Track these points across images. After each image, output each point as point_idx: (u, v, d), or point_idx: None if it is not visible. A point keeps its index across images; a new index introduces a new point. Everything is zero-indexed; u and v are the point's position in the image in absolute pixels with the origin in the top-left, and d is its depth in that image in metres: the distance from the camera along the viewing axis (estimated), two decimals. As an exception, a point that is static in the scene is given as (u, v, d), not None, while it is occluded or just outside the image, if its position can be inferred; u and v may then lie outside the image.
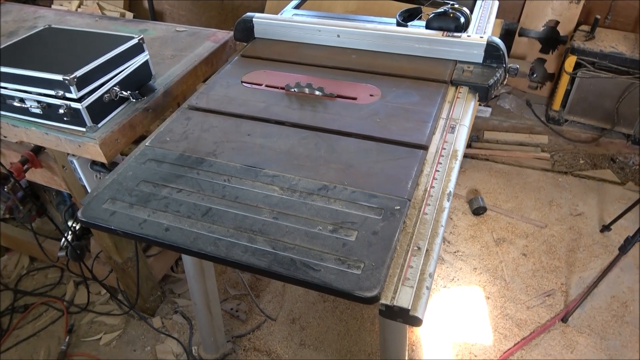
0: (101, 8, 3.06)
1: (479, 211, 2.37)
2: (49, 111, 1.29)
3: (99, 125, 1.31)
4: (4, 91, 1.29)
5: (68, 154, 1.42)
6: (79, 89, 1.22)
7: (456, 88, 1.36)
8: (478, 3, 1.78)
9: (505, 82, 1.46)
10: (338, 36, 1.54)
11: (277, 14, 1.72)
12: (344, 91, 1.35)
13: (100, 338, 1.92)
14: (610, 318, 1.90)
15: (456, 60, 1.45)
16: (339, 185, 1.05)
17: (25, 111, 1.32)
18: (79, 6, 3.03)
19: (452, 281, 2.05)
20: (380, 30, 1.49)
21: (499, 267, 2.12)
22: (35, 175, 1.65)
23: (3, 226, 2.16)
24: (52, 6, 3.20)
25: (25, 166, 1.54)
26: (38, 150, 1.56)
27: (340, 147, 1.16)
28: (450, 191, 1.06)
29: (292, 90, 1.36)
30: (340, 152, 1.15)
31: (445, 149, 1.16)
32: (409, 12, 1.61)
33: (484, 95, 1.36)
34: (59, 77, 1.19)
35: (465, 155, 2.73)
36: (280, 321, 1.92)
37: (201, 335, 1.76)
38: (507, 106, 3.09)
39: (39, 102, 1.28)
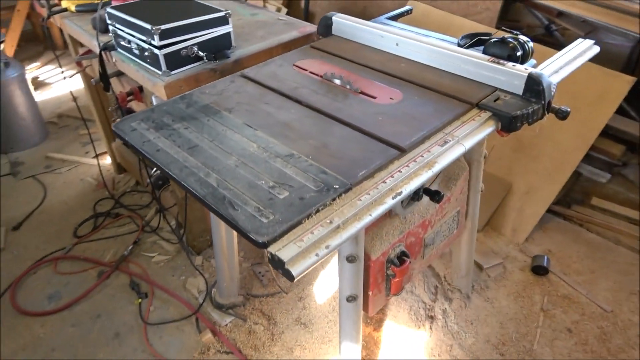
0: (264, 1, 3.54)
1: (538, 270, 2.17)
2: (142, 53, 1.64)
3: (172, 72, 1.62)
4: (119, 32, 1.69)
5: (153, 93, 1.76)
6: (161, 39, 1.54)
7: (479, 111, 1.35)
8: (575, 42, 1.68)
9: (544, 119, 1.38)
10: (397, 44, 1.63)
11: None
12: (369, 90, 1.44)
13: (154, 257, 2.29)
14: None
15: (497, 88, 1.42)
16: (304, 156, 1.17)
17: (130, 51, 1.70)
18: None
19: (470, 324, 1.93)
20: (434, 46, 1.53)
21: (531, 332, 1.93)
22: (139, 108, 2.06)
23: (125, 151, 2.69)
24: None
25: (130, 97, 1.95)
26: (142, 87, 1.96)
27: (330, 131, 1.27)
28: (401, 192, 1.09)
29: (327, 79, 1.50)
30: (328, 134, 1.26)
31: (423, 157, 1.18)
32: (476, 36, 1.60)
33: (506, 125, 1.32)
34: (149, 26, 1.52)
35: (556, 213, 2.50)
36: (289, 296, 2.05)
37: (218, 279, 1.99)
38: (631, 177, 2.72)
39: (137, 44, 1.64)
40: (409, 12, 2.08)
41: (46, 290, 2.14)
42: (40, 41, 4.60)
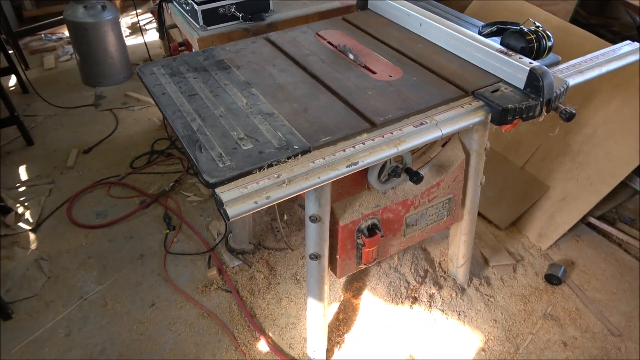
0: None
1: (551, 279, 2.08)
2: (188, 7, 1.80)
3: (208, 28, 1.77)
4: (172, -13, 1.87)
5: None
6: (200, -4, 1.69)
7: (473, 100, 1.34)
8: (619, 44, 1.58)
9: (541, 117, 1.34)
10: (420, 25, 1.63)
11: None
12: (373, 65, 1.48)
13: (189, 196, 2.53)
14: None
15: (502, 79, 1.39)
16: (282, 117, 1.26)
17: (181, 5, 1.88)
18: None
19: (457, 314, 1.93)
20: (453, 30, 1.52)
21: (522, 336, 1.88)
22: (190, 59, 2.25)
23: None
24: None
25: (181, 47, 2.14)
26: (193, 40, 2.14)
27: (316, 97, 1.34)
28: (358, 162, 1.16)
29: (340, 50, 1.56)
30: (313, 100, 1.33)
31: (392, 134, 1.22)
32: (497, 24, 1.55)
33: (496, 116, 1.30)
34: (190, -17, 1.68)
35: (596, 229, 2.35)
36: (295, 253, 2.18)
37: (232, 227, 2.17)
38: (696, 205, 2.45)
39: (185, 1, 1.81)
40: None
41: (96, 208, 2.46)
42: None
